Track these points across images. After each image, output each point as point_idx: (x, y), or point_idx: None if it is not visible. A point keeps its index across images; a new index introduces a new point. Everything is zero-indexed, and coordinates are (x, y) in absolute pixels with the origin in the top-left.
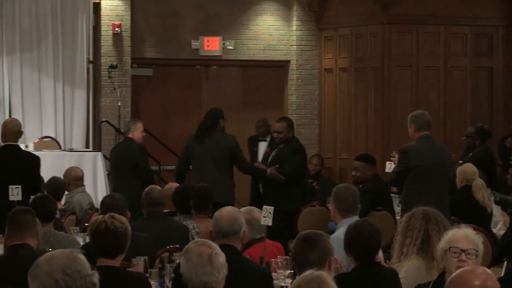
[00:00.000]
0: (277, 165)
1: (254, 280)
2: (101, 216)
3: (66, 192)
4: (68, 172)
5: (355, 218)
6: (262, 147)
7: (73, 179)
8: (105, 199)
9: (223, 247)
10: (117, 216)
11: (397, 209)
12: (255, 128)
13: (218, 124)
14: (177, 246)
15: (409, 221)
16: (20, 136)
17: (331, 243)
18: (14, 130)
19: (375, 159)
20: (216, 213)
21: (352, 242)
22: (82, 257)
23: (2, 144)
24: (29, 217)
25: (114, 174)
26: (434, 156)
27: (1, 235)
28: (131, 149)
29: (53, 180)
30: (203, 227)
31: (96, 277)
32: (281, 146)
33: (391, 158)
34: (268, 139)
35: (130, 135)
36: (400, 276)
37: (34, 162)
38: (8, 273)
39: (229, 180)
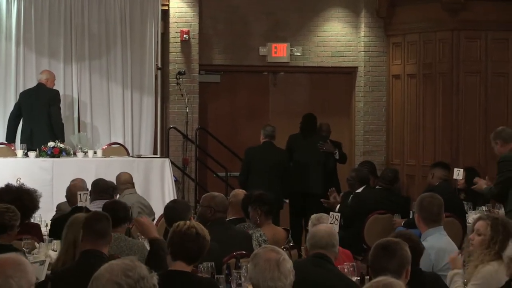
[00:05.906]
0: None
1: None
2: (183, 221)
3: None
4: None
5: (440, 229)
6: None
7: (120, 183)
8: (168, 204)
9: (316, 254)
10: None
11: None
12: (318, 132)
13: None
14: (244, 252)
15: (491, 228)
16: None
17: (409, 252)
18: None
19: (448, 166)
20: (314, 228)
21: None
22: (139, 263)
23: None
24: (105, 225)
25: (260, 175)
26: None
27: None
28: (281, 152)
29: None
30: (269, 234)
31: (155, 279)
32: None
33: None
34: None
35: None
36: (477, 277)
37: None
38: (78, 280)
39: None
